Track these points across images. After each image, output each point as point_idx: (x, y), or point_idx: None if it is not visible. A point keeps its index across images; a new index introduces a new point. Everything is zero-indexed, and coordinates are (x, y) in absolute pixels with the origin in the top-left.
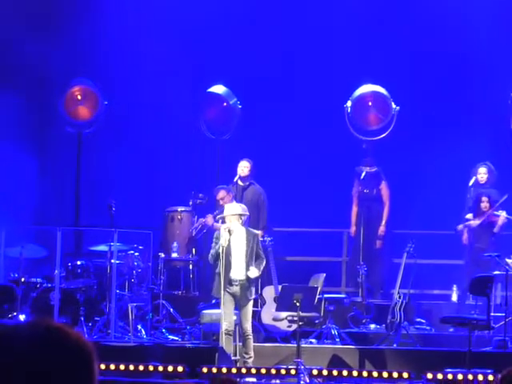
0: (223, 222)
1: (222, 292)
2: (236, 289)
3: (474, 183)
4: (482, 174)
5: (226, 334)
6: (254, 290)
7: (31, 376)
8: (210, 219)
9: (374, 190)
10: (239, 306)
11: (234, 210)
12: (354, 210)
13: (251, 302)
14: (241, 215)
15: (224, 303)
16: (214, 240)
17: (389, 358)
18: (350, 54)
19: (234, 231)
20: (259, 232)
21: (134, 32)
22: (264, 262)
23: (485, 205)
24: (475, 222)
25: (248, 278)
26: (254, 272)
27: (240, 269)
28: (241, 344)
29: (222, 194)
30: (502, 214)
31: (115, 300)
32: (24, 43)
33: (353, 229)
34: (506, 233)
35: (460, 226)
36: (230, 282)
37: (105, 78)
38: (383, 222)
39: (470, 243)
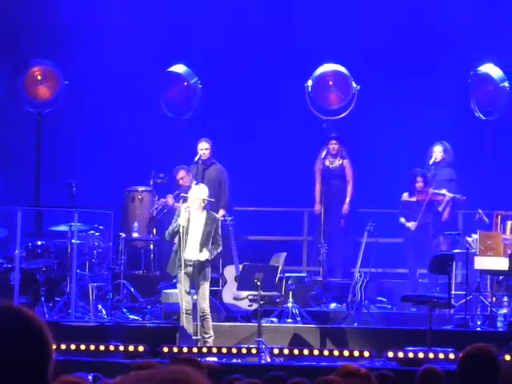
0: (185, 201)
1: (180, 271)
2: (189, 269)
3: (435, 162)
4: (437, 152)
5: (185, 313)
6: (208, 271)
7: None
8: (170, 199)
9: (337, 167)
10: (196, 286)
11: (198, 194)
12: (318, 187)
13: (208, 283)
14: (204, 199)
15: (180, 283)
16: (174, 217)
17: (350, 336)
18: (310, 33)
19: (194, 212)
20: (221, 213)
21: (94, 12)
22: (219, 249)
23: (419, 184)
24: (413, 225)
25: (199, 260)
26: (205, 254)
27: (194, 250)
28: (200, 324)
29: (181, 173)
30: (447, 194)
31: (76, 280)
32: None
33: (317, 207)
34: (464, 211)
35: (402, 220)
36: (184, 262)
37: (65, 58)
38: (347, 201)
39: (409, 221)
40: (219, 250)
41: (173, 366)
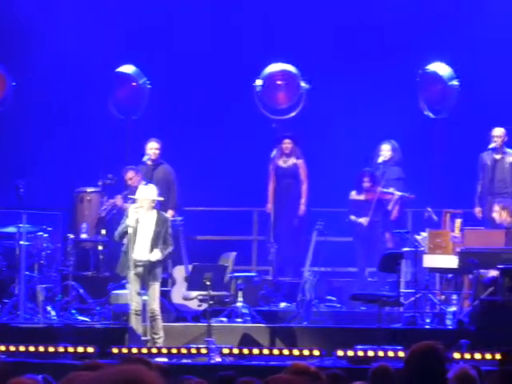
0: (134, 201)
1: (130, 272)
2: (140, 270)
3: (383, 161)
4: (385, 151)
5: (134, 314)
6: (159, 272)
7: None
8: (119, 200)
9: (290, 166)
10: (146, 287)
11: (147, 195)
12: (271, 186)
13: (158, 283)
14: (153, 199)
15: (130, 283)
16: (123, 218)
17: (299, 335)
18: (259, 32)
19: (143, 212)
20: (170, 213)
21: (42, 12)
22: (170, 249)
23: (366, 184)
24: (366, 220)
25: (150, 261)
26: (156, 255)
27: (144, 250)
28: (150, 324)
29: (130, 174)
30: (396, 193)
31: (24, 282)
32: None
33: (269, 206)
34: (413, 210)
35: (352, 217)
36: (134, 263)
37: (12, 59)
38: (303, 201)
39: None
40: (170, 250)
41: (123, 366)
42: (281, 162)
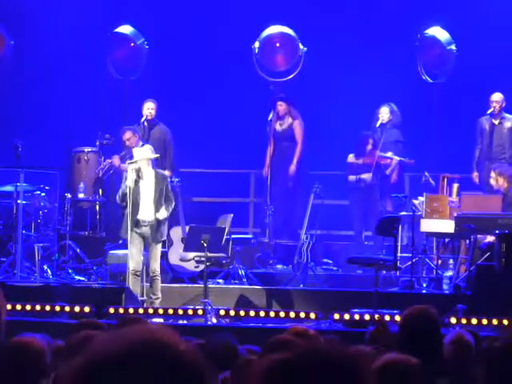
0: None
1: (130, 233)
2: (145, 229)
3: (381, 124)
4: (384, 114)
5: (133, 274)
6: (164, 231)
7: None
8: (116, 160)
9: (286, 129)
10: (148, 247)
11: (143, 154)
12: (269, 149)
13: (160, 244)
14: (149, 158)
15: (132, 244)
16: (123, 180)
17: (296, 298)
18: None
19: (142, 173)
20: (166, 173)
21: None
22: (173, 204)
23: (369, 147)
24: (369, 176)
25: (157, 220)
26: (163, 213)
27: (149, 210)
28: (148, 285)
29: (128, 134)
30: (395, 157)
31: (21, 240)
32: None
33: (265, 169)
34: (411, 174)
35: (352, 177)
36: (138, 223)
37: (11, 18)
38: (294, 161)
39: (354, 183)
40: (173, 206)
41: (148, 326)
42: (277, 126)
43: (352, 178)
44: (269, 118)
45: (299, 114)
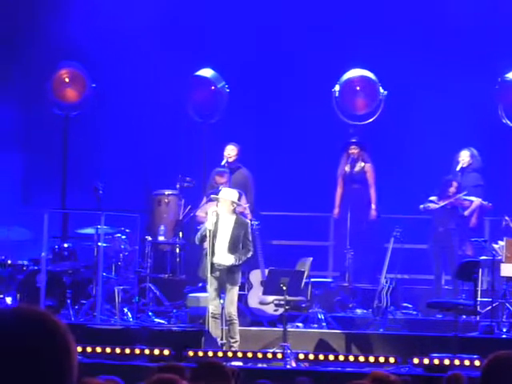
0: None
1: (208, 275)
2: (218, 273)
3: (461, 168)
4: (464, 157)
5: (212, 317)
6: (238, 276)
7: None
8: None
9: (358, 172)
10: (224, 290)
11: (230, 196)
12: (339, 191)
13: (236, 287)
14: (233, 202)
15: (210, 286)
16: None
17: (375, 342)
18: (338, 38)
19: (223, 215)
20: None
21: (121, 14)
22: (249, 254)
23: (452, 189)
24: (434, 206)
25: (232, 264)
26: (230, 259)
27: (222, 254)
28: (227, 328)
29: (226, 177)
30: (476, 199)
31: (102, 283)
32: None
33: (336, 210)
34: (490, 218)
35: (422, 206)
36: (213, 267)
37: (92, 61)
38: (373, 206)
39: (434, 227)
40: (249, 255)
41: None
42: (347, 168)
43: (422, 206)
44: (342, 161)
45: (370, 158)
